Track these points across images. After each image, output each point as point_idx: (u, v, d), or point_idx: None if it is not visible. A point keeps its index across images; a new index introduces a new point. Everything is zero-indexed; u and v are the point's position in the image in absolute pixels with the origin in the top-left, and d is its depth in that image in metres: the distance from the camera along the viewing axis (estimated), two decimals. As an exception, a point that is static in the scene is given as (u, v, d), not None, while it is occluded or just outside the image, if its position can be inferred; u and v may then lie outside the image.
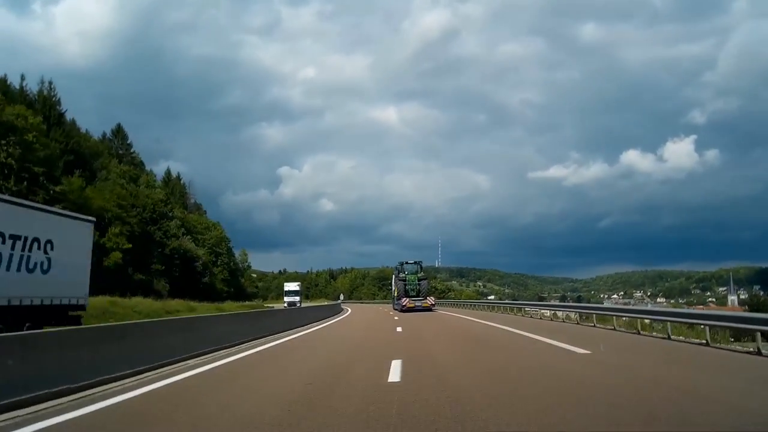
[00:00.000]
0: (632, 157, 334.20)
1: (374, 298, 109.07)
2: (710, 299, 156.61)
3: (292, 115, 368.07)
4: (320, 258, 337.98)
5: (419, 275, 45.56)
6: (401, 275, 45.57)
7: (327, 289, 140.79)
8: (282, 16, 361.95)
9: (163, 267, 54.81)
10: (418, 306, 41.41)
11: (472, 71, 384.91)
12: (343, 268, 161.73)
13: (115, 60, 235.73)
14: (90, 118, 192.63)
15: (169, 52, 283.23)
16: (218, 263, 73.77)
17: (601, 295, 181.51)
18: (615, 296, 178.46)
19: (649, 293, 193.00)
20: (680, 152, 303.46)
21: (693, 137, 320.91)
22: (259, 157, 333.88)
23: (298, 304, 59.34)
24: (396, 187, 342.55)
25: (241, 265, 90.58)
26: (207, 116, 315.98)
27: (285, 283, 78.48)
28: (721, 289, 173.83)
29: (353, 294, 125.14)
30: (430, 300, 42.93)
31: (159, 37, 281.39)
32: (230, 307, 46.31)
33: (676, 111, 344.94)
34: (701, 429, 5.11)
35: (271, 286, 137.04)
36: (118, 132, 68.35)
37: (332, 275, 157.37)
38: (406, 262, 47.34)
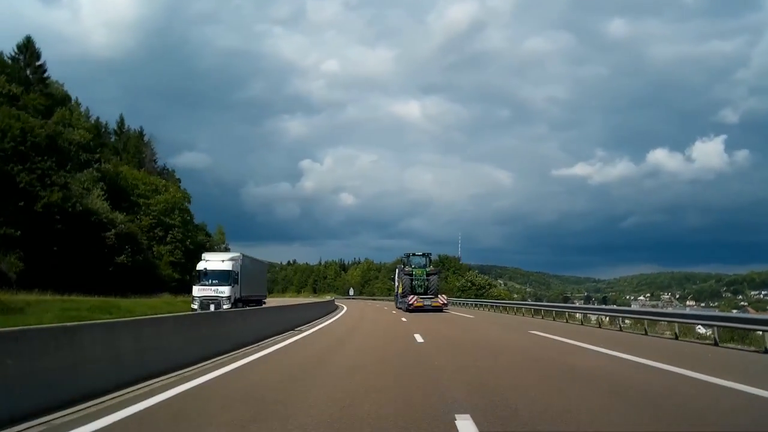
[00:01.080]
0: (659, 156, 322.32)
1: (389, 294, 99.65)
2: (742, 302, 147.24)
3: (314, 107, 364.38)
4: (338, 252, 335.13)
5: (428, 269, 38.65)
6: (407, 269, 38.79)
7: (336, 282, 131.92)
8: (307, 7, 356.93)
9: (19, 233, 32.67)
10: (427, 305, 34.88)
11: (496, 66, 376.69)
12: (356, 259, 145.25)
13: (140, 51, 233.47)
14: (113, 109, 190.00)
15: (192, 43, 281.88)
16: (167, 239, 55.18)
17: (627, 297, 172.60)
18: (641, 298, 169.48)
19: (677, 296, 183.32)
20: (709, 152, 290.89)
21: (723, 137, 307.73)
22: (281, 149, 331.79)
23: (228, 304, 29.32)
24: (416, 182, 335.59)
25: (216, 248, 64.72)
26: (229, 108, 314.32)
27: (204, 258, 33.40)
28: (753, 292, 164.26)
29: (365, 288, 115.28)
30: (442, 298, 36.28)
31: (183, 28, 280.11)
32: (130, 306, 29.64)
33: (706, 109, 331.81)
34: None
35: (278, 278, 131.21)
36: (27, 46, 50.84)
37: (343, 267, 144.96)
38: (413, 254, 40.59)
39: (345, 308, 41.83)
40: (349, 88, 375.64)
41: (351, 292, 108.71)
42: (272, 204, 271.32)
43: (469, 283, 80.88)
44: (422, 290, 37.38)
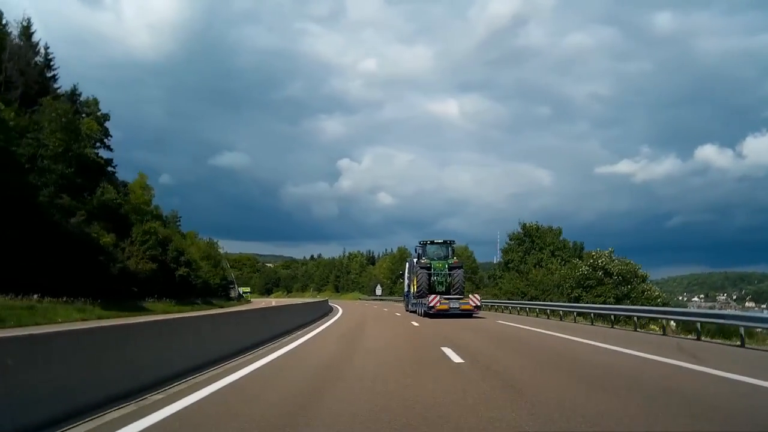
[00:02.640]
0: (708, 152, 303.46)
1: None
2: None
3: (351, 107, 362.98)
4: (375, 251, 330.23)
5: (450, 261, 29.76)
6: (423, 261, 29.97)
7: (362, 278, 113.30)
8: (346, 5, 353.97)
9: None
10: (453, 308, 25.78)
11: (536, 62, 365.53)
12: (388, 250, 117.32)
13: (181, 52, 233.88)
14: (157, 109, 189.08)
15: (231, 44, 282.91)
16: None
17: (679, 297, 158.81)
18: (696, 299, 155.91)
19: (734, 297, 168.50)
20: (761, 148, 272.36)
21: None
22: (319, 149, 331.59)
23: None
24: (454, 181, 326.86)
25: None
26: (267, 107, 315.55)
27: None
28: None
29: (397, 285, 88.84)
30: (474, 299, 26.77)
31: (222, 29, 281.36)
32: None
33: (758, 104, 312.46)
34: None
35: (297, 275, 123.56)
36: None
37: (372, 260, 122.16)
38: (430, 242, 30.93)
39: (340, 310, 33.50)
40: (386, 86, 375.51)
41: (378, 290, 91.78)
42: (310, 203, 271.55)
43: (599, 272, 39.61)
44: (443, 288, 28.65)
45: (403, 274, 40.56)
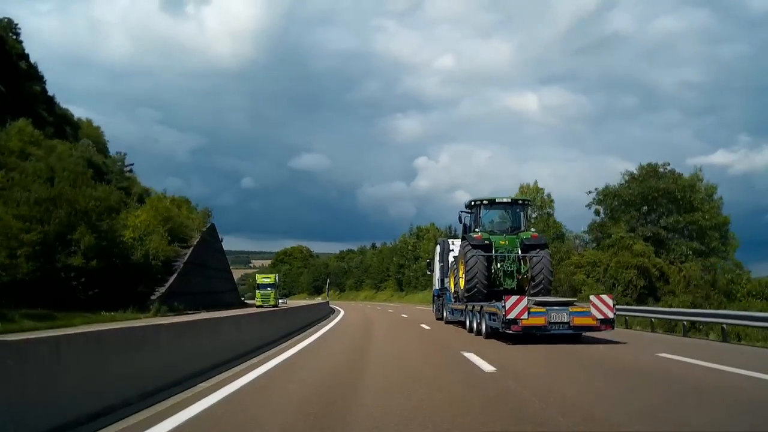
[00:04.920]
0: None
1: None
2: None
3: (427, 104, 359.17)
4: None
5: (526, 236, 17.06)
6: (475, 236, 17.34)
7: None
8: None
9: None
10: (557, 324, 12.61)
11: (622, 50, 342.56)
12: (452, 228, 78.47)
13: (260, 58, 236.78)
14: (240, 116, 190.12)
15: (308, 47, 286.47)
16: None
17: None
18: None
19: None
20: None
21: None
22: (395, 148, 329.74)
23: None
24: (533, 178, 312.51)
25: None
26: (344, 109, 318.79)
27: None
28: None
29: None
30: (603, 301, 12.79)
31: (299, 33, 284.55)
32: None
33: None
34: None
35: (351, 267, 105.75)
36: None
37: (418, 234, 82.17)
38: (488, 202, 17.91)
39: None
40: (463, 82, 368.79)
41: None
42: (387, 203, 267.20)
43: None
44: (512, 284, 16.36)
45: (431, 263, 27.93)
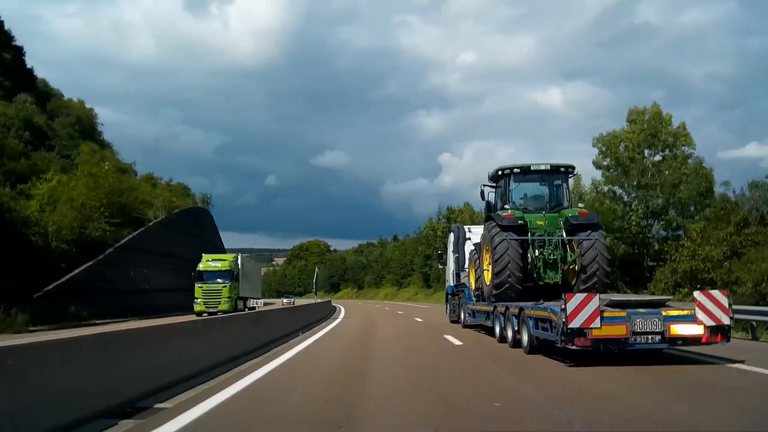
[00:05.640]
0: None
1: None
2: None
3: (450, 101, 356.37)
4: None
5: (572, 213, 12.74)
6: (505, 214, 12.84)
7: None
8: None
9: None
10: (647, 335, 8.42)
11: (648, 43, 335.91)
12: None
13: (282, 56, 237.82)
14: (261, 115, 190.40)
15: (331, 45, 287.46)
16: None
17: None
18: None
19: None
20: None
21: None
22: (418, 145, 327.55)
23: None
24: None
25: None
26: (366, 107, 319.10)
27: None
28: None
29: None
30: (715, 301, 8.56)
31: (321, 31, 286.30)
32: None
33: None
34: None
35: (370, 262, 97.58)
36: None
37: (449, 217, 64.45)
38: (520, 171, 13.31)
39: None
40: (486, 79, 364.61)
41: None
42: (410, 201, 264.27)
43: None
44: (556, 277, 12.46)
45: (443, 254, 23.81)
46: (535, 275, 12.58)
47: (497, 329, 12.72)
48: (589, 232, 12.36)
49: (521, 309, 10.84)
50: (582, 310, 8.27)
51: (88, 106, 49.43)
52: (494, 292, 12.62)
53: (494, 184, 14.35)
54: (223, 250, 48.75)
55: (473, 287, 15.96)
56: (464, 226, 21.01)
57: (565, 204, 13.39)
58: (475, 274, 15.48)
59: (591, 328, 8.26)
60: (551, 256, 12.55)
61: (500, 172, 13.70)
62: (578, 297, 8.46)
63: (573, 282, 12.39)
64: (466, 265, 18.17)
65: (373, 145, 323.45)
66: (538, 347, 10.10)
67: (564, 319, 8.32)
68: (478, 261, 15.13)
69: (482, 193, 14.63)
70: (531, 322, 10.19)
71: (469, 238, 18.53)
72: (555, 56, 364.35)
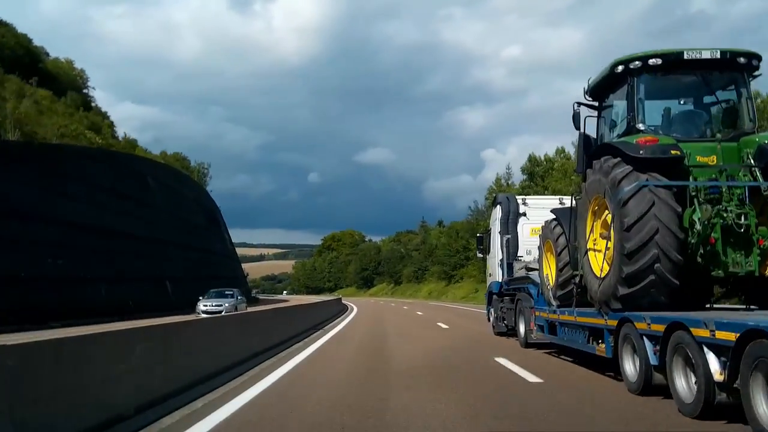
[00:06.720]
0: None
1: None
2: None
3: (494, 97, 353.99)
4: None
5: (764, 139, 6.40)
6: (638, 137, 6.50)
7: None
8: None
9: None
10: None
11: (701, 33, 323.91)
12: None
13: (325, 54, 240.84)
14: (304, 113, 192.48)
15: (374, 42, 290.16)
16: None
17: None
18: None
19: None
20: None
21: None
22: (461, 141, 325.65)
23: None
24: None
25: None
26: (409, 103, 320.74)
27: None
28: None
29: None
30: None
31: (364, 27, 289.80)
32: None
33: None
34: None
35: (410, 251, 77.69)
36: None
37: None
38: (667, 61, 6.80)
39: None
40: (530, 73, 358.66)
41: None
42: (453, 197, 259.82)
43: None
44: (751, 260, 6.19)
45: (484, 237, 16.55)
46: (700, 259, 6.32)
47: (627, 366, 6.44)
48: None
49: (713, 332, 4.60)
50: None
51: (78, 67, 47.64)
52: (623, 291, 6.34)
53: (601, 101, 8.07)
54: (221, 234, 45.48)
55: (551, 283, 9.65)
56: (517, 197, 14.70)
57: (747, 125, 7.02)
58: (556, 260, 9.20)
59: None
60: (738, 221, 6.22)
61: (619, 69, 7.31)
62: None
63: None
64: (525, 250, 12.88)
65: (416, 141, 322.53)
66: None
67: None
68: (562, 237, 8.89)
69: (575, 117, 8.28)
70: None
71: (524, 214, 13.77)
72: (604, 48, 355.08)
